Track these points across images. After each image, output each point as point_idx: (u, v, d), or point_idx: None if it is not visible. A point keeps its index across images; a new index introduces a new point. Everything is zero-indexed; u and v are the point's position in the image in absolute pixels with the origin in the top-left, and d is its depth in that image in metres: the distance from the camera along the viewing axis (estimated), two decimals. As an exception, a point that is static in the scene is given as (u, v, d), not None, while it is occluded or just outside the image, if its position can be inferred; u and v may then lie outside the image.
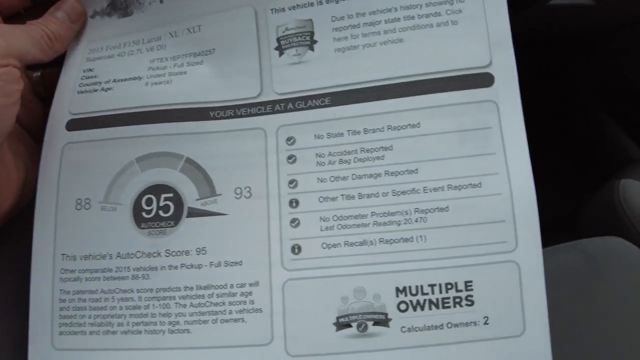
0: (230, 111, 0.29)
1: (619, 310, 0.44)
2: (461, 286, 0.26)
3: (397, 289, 0.26)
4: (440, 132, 0.27)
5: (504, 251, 0.26)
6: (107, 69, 0.31)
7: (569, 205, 0.74)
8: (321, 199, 0.28)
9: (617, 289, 0.46)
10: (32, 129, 0.32)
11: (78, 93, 0.31)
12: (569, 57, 0.94)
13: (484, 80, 0.28)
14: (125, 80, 0.31)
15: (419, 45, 0.28)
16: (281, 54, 0.30)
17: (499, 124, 0.27)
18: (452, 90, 0.28)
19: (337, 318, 0.26)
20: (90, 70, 0.32)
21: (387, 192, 0.27)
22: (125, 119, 0.30)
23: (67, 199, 0.29)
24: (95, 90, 0.31)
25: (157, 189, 0.29)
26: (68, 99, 0.31)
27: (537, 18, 0.63)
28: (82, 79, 0.31)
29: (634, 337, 0.42)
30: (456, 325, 0.26)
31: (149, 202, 0.29)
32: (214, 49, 0.30)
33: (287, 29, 0.30)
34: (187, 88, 0.30)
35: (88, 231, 0.29)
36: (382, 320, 0.26)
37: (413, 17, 0.29)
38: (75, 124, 0.30)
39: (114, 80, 0.31)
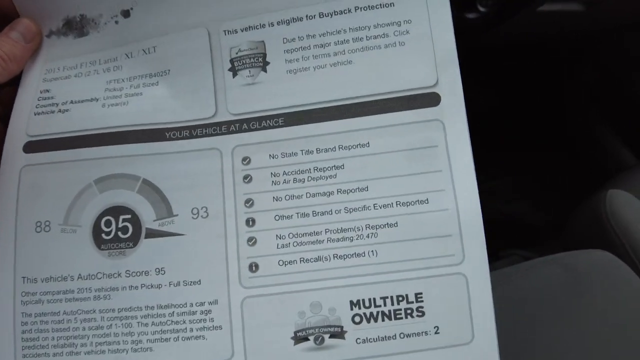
0: (186, 131, 0.30)
1: (601, 326, 0.44)
2: (412, 298, 0.28)
3: (352, 302, 0.28)
4: (389, 151, 0.29)
5: (451, 264, 0.28)
6: (63, 90, 0.32)
7: (561, 212, 0.74)
8: (277, 217, 0.29)
9: (600, 304, 0.46)
10: None
11: (35, 114, 0.31)
12: (559, 62, 0.95)
13: (430, 99, 0.29)
14: (82, 101, 0.31)
15: (368, 67, 0.29)
16: (235, 75, 0.30)
17: (445, 142, 0.28)
18: (400, 110, 0.29)
19: (295, 332, 0.28)
20: (47, 91, 0.32)
21: (340, 210, 0.28)
22: (83, 141, 0.30)
23: (27, 221, 0.29)
24: (52, 112, 0.31)
25: (116, 211, 0.29)
26: (25, 121, 0.31)
27: (527, 23, 0.63)
28: (38, 100, 0.31)
29: (611, 352, 0.43)
30: (408, 336, 0.27)
31: (108, 223, 0.29)
32: (169, 69, 0.31)
33: (240, 50, 0.30)
34: (143, 109, 0.30)
35: (49, 253, 0.29)
36: (338, 333, 0.28)
37: (362, 39, 0.30)
38: (32, 146, 0.31)
39: (71, 102, 0.31)
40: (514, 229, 0.90)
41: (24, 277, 0.29)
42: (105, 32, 0.32)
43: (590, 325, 0.44)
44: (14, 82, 0.32)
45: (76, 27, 0.32)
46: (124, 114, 0.30)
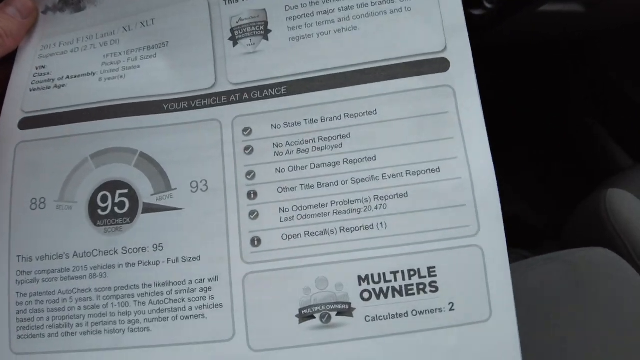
0: (184, 103, 0.29)
1: (602, 324, 0.44)
2: (424, 272, 0.26)
3: (360, 278, 0.26)
4: (397, 119, 0.27)
5: (466, 235, 0.26)
6: (59, 66, 0.31)
7: (561, 212, 0.74)
8: (280, 190, 0.27)
9: (600, 301, 0.45)
10: None
11: (30, 91, 0.30)
12: (559, 63, 0.94)
13: (439, 65, 0.27)
14: (79, 76, 0.30)
15: (373, 33, 0.28)
16: (235, 44, 0.29)
17: (456, 109, 0.27)
18: (407, 76, 0.27)
19: (300, 310, 0.26)
20: (43, 67, 0.31)
21: (346, 180, 0.27)
22: (79, 115, 0.29)
23: (22, 199, 0.28)
24: (48, 88, 0.30)
25: (112, 185, 0.28)
26: (20, 97, 0.30)
27: (528, 23, 0.63)
28: (34, 76, 0.31)
29: (612, 351, 0.42)
30: (421, 313, 0.26)
31: (104, 199, 0.28)
32: (167, 41, 0.30)
33: (240, 19, 0.29)
34: (140, 82, 0.29)
35: (44, 231, 0.28)
36: (346, 310, 0.26)
37: (367, 5, 0.28)
38: (28, 123, 0.30)
39: (67, 77, 0.30)
40: (514, 229, 0.87)
41: (19, 256, 0.28)
42: (102, 6, 0.31)
43: (591, 323, 0.43)
44: (9, 59, 0.32)
45: (72, 2, 0.32)
46: (121, 87, 0.29)
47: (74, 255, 0.27)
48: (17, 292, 0.27)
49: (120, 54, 0.30)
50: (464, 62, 0.27)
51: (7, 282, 0.28)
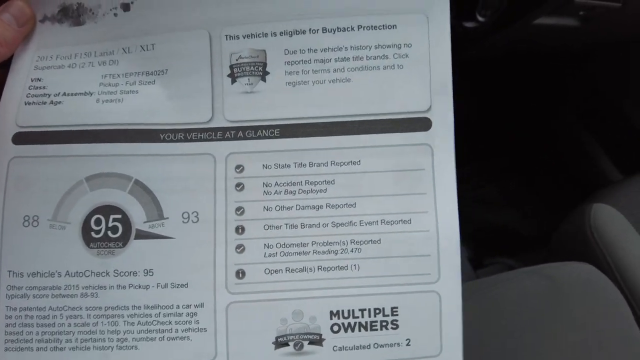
0: (181, 134, 0.30)
1: (579, 339, 0.45)
2: (388, 311, 0.29)
3: (332, 312, 0.29)
4: (378, 171, 0.30)
5: (427, 282, 0.29)
6: (56, 80, 0.31)
7: (549, 223, 0.74)
8: (266, 227, 0.30)
9: (579, 316, 0.47)
10: None
11: (25, 104, 0.30)
12: (553, 75, 0.95)
13: (422, 124, 0.30)
14: (76, 94, 0.31)
15: (365, 86, 0.30)
16: (233, 81, 0.30)
17: (432, 167, 0.30)
18: (392, 132, 0.30)
19: (276, 338, 0.29)
20: (39, 79, 0.31)
21: (327, 224, 0.30)
22: (76, 136, 0.30)
23: (14, 215, 0.29)
24: (44, 103, 0.30)
25: (106, 210, 0.30)
26: (14, 110, 0.30)
27: (522, 35, 0.64)
28: (29, 88, 0.31)
29: None
30: (382, 346, 0.29)
31: (98, 222, 0.29)
32: (166, 69, 0.31)
33: (240, 57, 0.30)
34: (138, 108, 0.30)
35: (36, 249, 0.29)
36: (317, 340, 0.29)
37: (362, 58, 0.30)
38: (22, 138, 0.30)
39: (64, 94, 0.31)
40: (501, 237, 0.92)
41: (9, 271, 0.29)
42: (102, 24, 0.31)
43: (568, 338, 0.45)
44: (3, 65, 0.31)
45: (72, 15, 0.32)
46: (118, 111, 0.30)
47: (66, 274, 0.29)
48: (7, 306, 0.29)
49: (119, 76, 0.31)
50: (445, 123, 0.30)
51: None
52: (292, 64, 0.30)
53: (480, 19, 0.54)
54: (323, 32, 0.30)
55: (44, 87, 0.31)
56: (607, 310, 0.48)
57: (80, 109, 0.30)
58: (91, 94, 0.31)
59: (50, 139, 0.30)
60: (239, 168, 0.30)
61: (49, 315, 0.29)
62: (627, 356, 0.46)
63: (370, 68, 0.30)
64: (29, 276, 0.29)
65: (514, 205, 0.96)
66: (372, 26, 0.30)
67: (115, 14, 0.31)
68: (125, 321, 0.29)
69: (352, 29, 0.30)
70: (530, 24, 0.56)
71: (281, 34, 0.30)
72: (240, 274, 0.29)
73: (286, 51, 0.30)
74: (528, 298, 0.47)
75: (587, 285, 0.49)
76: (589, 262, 0.52)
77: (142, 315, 0.29)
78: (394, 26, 0.30)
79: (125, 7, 0.31)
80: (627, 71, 0.85)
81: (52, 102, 0.30)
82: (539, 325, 0.45)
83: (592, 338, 0.46)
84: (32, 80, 0.31)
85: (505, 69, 0.94)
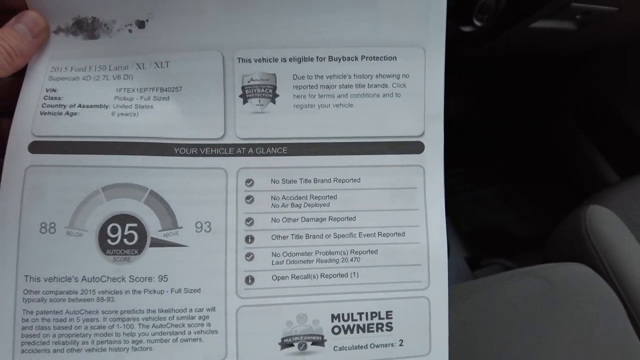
0: (194, 149, 0.32)
1: (573, 339, 0.46)
2: (383, 315, 0.32)
3: (333, 316, 0.32)
4: (376, 188, 0.33)
5: (419, 289, 0.33)
6: (71, 92, 0.32)
7: (547, 224, 0.74)
8: (274, 237, 0.32)
9: (573, 317, 0.47)
10: None
11: (41, 114, 0.31)
12: (551, 78, 0.96)
13: (415, 147, 0.33)
14: (91, 106, 0.32)
15: (366, 111, 0.33)
16: (245, 101, 0.33)
17: (424, 185, 0.33)
18: (388, 153, 0.33)
19: (282, 339, 0.31)
20: (54, 90, 0.32)
21: (330, 235, 0.32)
22: (92, 147, 0.31)
23: (31, 222, 0.30)
24: (60, 113, 0.32)
25: (122, 218, 0.31)
26: (30, 119, 0.31)
27: (521, 38, 0.64)
28: (44, 98, 0.32)
29: None
30: (377, 346, 0.32)
31: (114, 230, 0.31)
32: (180, 86, 0.33)
33: (252, 79, 0.33)
34: (153, 123, 0.32)
35: (53, 254, 0.30)
36: (319, 341, 0.32)
37: (364, 86, 0.33)
38: (38, 147, 0.31)
39: (79, 105, 0.32)
40: (499, 238, 0.94)
41: (26, 276, 0.30)
42: (117, 39, 0.32)
43: (562, 337, 0.46)
44: (18, 74, 0.32)
45: (87, 28, 0.33)
46: (133, 125, 0.32)
47: (82, 279, 0.30)
48: (24, 310, 0.30)
49: (133, 90, 0.32)
50: (436, 147, 0.33)
51: (13, 300, 0.30)
52: (300, 88, 0.33)
53: (477, 23, 0.54)
54: (329, 60, 0.33)
55: (59, 98, 0.32)
56: (602, 310, 0.49)
57: (95, 121, 0.32)
58: (106, 107, 0.32)
59: (66, 148, 0.31)
60: (249, 182, 0.32)
61: (65, 319, 0.30)
62: (621, 355, 0.48)
63: (371, 95, 0.33)
64: (45, 281, 0.30)
65: (512, 206, 0.98)
66: (374, 57, 0.33)
67: (130, 30, 0.33)
68: (140, 324, 0.30)
69: (356, 58, 0.33)
70: (527, 28, 0.56)
71: (291, 59, 0.33)
72: (250, 280, 0.32)
73: (295, 76, 0.33)
74: (524, 298, 0.48)
75: (582, 286, 0.50)
76: (585, 263, 0.53)
77: (156, 319, 0.30)
78: (394, 58, 0.33)
79: (140, 25, 0.33)
80: (624, 74, 0.86)
81: (67, 113, 0.32)
82: (535, 325, 0.46)
83: (586, 337, 0.47)
84: (47, 91, 0.32)
85: (503, 71, 0.94)
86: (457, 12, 0.56)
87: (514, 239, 0.95)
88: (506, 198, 0.99)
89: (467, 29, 0.56)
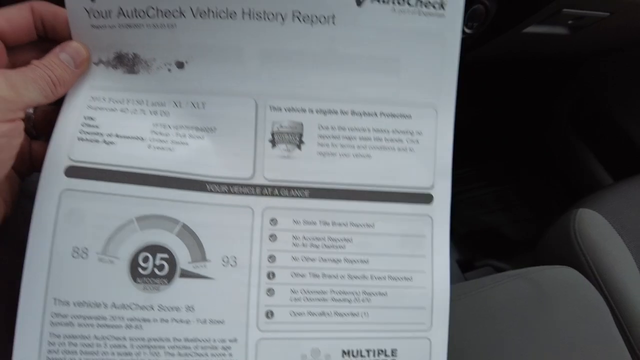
0: (225, 187, 0.34)
1: (560, 341, 0.47)
2: (389, 352, 0.35)
3: (343, 351, 0.34)
4: (388, 234, 0.36)
5: (422, 330, 0.36)
6: (108, 122, 0.33)
7: (539, 226, 0.74)
8: (293, 275, 0.34)
9: (560, 319, 0.48)
10: (17, 166, 0.33)
11: (78, 139, 0.33)
12: (546, 80, 0.96)
13: (425, 198, 0.37)
14: (128, 138, 0.33)
15: (382, 163, 0.36)
16: (274, 146, 0.35)
17: (431, 234, 0.36)
18: (401, 202, 0.36)
19: None
20: (92, 118, 0.33)
21: (344, 275, 0.35)
22: (127, 177, 0.33)
23: (64, 245, 0.31)
24: (97, 141, 0.33)
25: (154, 249, 0.33)
26: (67, 144, 0.32)
27: (513, 43, 0.63)
28: (82, 125, 0.33)
29: None
30: None
31: (145, 259, 0.32)
32: (215, 127, 0.35)
33: (281, 127, 0.36)
34: (187, 159, 0.34)
35: (84, 280, 0.31)
36: None
37: (381, 140, 0.37)
38: (74, 172, 0.32)
39: (117, 135, 0.33)
40: (492, 239, 0.94)
41: (55, 299, 0.31)
42: (156, 76, 0.34)
43: (550, 339, 0.47)
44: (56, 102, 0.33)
45: (127, 63, 0.34)
46: (169, 159, 0.34)
47: (112, 306, 0.31)
48: (51, 333, 0.30)
49: (169, 127, 0.34)
50: (444, 199, 0.37)
51: (40, 322, 0.30)
52: (324, 138, 0.36)
53: (467, 30, 0.54)
54: (352, 115, 0.36)
55: (96, 127, 0.33)
56: (588, 312, 0.50)
57: (132, 152, 0.33)
58: (143, 139, 0.34)
59: (102, 176, 0.33)
60: (273, 221, 0.35)
61: (93, 344, 0.31)
62: (606, 356, 0.49)
63: (387, 149, 0.37)
64: (75, 305, 0.31)
65: (507, 208, 0.98)
66: (391, 114, 0.37)
67: (169, 69, 0.34)
68: (166, 352, 0.32)
69: (376, 114, 0.37)
70: (520, 33, 0.56)
71: (317, 111, 0.36)
72: (270, 314, 0.34)
73: (320, 126, 0.36)
74: (513, 301, 0.49)
75: (569, 289, 0.51)
76: (573, 266, 0.54)
77: (182, 347, 0.32)
78: (409, 116, 0.37)
79: (180, 65, 0.35)
80: (619, 77, 0.86)
81: (104, 142, 0.33)
82: (523, 327, 0.47)
83: (573, 339, 0.48)
84: (84, 118, 0.33)
85: (498, 74, 0.94)
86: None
87: (508, 241, 0.95)
88: (501, 200, 0.99)
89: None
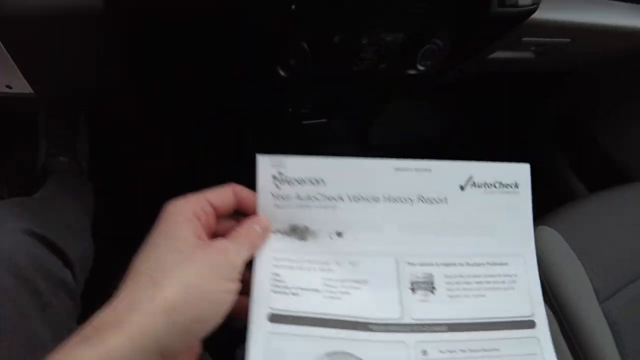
0: (382, 327, 0.45)
1: None
2: None
3: None
4: (510, 355, 0.46)
5: None
6: (291, 278, 0.44)
7: None
8: None
9: None
10: None
11: (273, 292, 0.44)
12: (527, 94, 1.00)
13: (529, 324, 0.47)
14: (308, 290, 0.44)
15: (493, 300, 0.47)
16: (414, 293, 0.46)
17: (541, 352, 0.46)
18: (511, 329, 0.47)
19: None
20: (278, 275, 0.44)
21: None
22: (313, 322, 0.43)
23: None
24: (286, 293, 0.44)
25: None
26: (266, 296, 0.43)
27: (481, 66, 0.66)
28: (273, 281, 0.44)
29: None
30: None
31: None
32: (367, 280, 0.46)
33: (417, 277, 0.47)
34: (352, 306, 0.45)
35: None
36: None
37: (490, 282, 0.48)
38: (275, 318, 0.43)
39: (300, 288, 0.44)
40: None
41: None
42: (321, 243, 0.46)
43: None
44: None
45: (299, 233, 0.46)
46: (340, 306, 0.44)
47: None
48: None
49: (335, 280, 0.45)
50: (543, 323, 0.47)
51: None
52: (450, 284, 0.47)
53: (420, 68, 0.57)
54: (467, 265, 0.48)
55: (284, 282, 0.44)
56: None
57: (312, 301, 0.44)
58: (318, 291, 0.45)
59: (296, 321, 0.43)
60: (424, 352, 0.44)
61: None
62: None
63: (497, 289, 0.48)
64: None
65: None
66: (494, 263, 0.49)
67: (330, 237, 0.47)
68: None
69: (484, 264, 0.49)
70: (485, 59, 0.59)
71: (442, 264, 0.48)
72: None
73: (445, 276, 0.48)
74: None
75: None
76: None
77: None
78: (507, 263, 0.49)
79: (339, 234, 0.47)
80: (598, 92, 0.90)
81: (292, 294, 0.44)
82: None
83: None
84: (273, 274, 0.44)
85: (477, 89, 0.97)
86: (401, 58, 0.59)
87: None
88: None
89: (412, 71, 0.58)
